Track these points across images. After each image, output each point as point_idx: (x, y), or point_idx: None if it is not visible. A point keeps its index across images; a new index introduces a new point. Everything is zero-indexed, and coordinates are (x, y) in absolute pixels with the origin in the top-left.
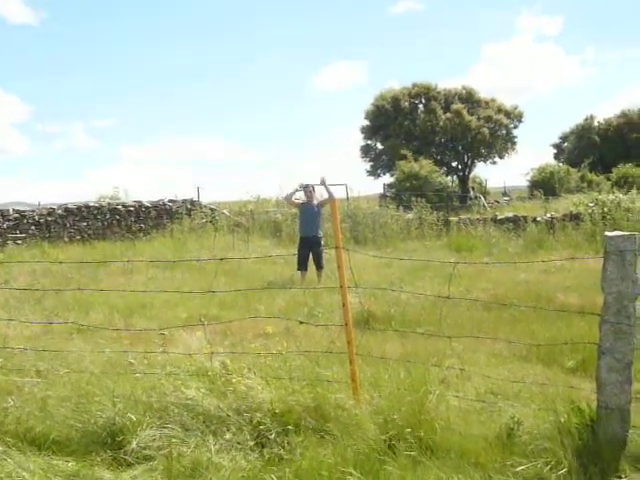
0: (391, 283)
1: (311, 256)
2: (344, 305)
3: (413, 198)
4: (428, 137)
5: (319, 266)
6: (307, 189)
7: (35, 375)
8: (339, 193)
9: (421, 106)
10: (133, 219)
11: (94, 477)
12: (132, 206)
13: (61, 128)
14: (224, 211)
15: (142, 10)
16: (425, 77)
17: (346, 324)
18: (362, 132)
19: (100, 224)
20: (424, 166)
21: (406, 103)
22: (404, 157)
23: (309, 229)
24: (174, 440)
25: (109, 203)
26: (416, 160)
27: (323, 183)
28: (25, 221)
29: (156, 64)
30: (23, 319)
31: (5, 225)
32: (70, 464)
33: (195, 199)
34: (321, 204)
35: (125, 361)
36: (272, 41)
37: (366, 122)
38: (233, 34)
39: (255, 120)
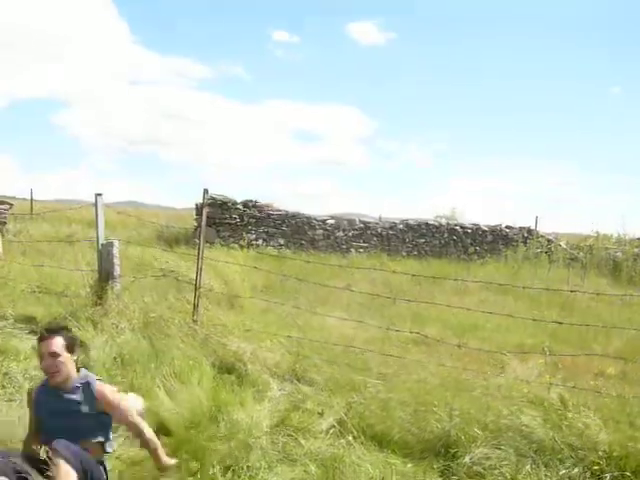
0: None
1: None
2: None
3: None
4: None
5: None
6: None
7: (378, 377)
8: None
9: None
10: (469, 241)
11: None
12: (469, 228)
13: (399, 146)
14: (561, 243)
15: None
16: None
17: None
18: None
19: (437, 242)
20: None
21: None
22: None
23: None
24: (506, 462)
25: (448, 223)
26: None
27: None
28: (368, 232)
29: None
30: (364, 323)
31: (351, 233)
32: (408, 465)
33: (532, 227)
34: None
35: (463, 378)
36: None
37: None
38: None
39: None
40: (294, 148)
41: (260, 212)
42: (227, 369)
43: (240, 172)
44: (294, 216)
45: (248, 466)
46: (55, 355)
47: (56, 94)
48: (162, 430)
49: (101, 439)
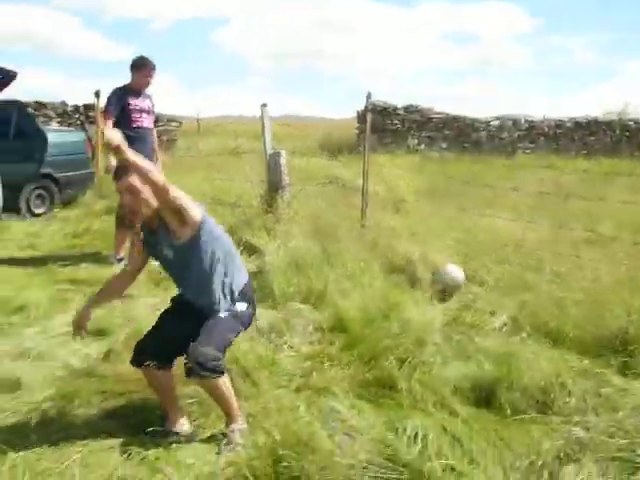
0: None
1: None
2: None
3: None
4: None
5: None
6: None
7: (550, 276)
8: None
9: None
10: None
11: (604, 379)
12: None
13: (562, 41)
14: None
15: None
16: None
17: None
18: None
19: (608, 140)
20: None
21: None
22: None
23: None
24: None
25: (620, 118)
26: None
27: None
28: (534, 132)
29: None
30: (533, 223)
31: (516, 134)
32: (584, 362)
33: None
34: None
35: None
36: None
37: None
38: None
39: None
40: (451, 49)
41: (421, 116)
42: (396, 271)
43: (396, 77)
44: (456, 119)
45: (422, 361)
46: (132, 190)
47: (212, 12)
48: (338, 328)
49: (219, 268)
